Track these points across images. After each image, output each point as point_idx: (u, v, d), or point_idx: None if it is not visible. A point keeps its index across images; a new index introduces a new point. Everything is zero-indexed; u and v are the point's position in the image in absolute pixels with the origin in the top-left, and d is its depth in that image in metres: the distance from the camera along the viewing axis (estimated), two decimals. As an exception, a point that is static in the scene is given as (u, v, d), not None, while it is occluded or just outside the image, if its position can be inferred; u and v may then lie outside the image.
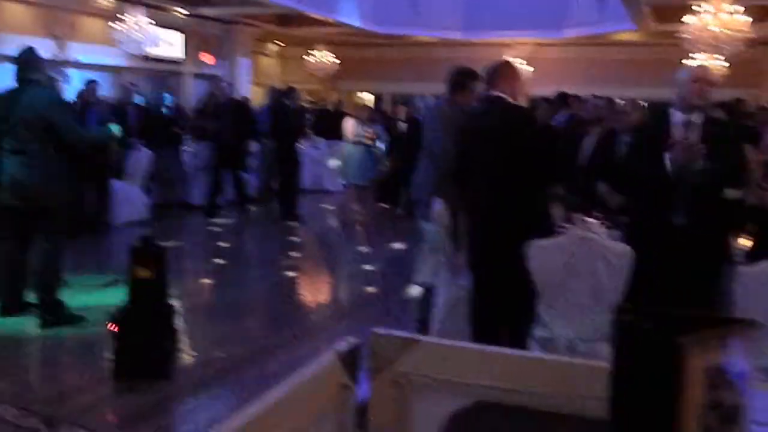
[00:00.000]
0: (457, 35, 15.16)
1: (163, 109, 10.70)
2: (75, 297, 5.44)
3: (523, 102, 3.93)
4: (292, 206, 9.89)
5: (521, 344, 3.42)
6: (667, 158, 3.55)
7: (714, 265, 3.60)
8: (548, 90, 9.41)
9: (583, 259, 3.46)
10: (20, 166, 4.88)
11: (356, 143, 10.11)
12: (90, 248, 7.78)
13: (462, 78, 4.91)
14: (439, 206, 4.35)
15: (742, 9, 9.92)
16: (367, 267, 7.50)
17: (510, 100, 3.75)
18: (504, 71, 3.83)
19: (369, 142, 10.15)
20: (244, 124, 9.86)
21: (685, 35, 10.25)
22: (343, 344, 1.37)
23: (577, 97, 7.80)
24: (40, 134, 4.86)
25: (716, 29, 9.85)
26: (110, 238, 8.46)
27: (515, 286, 3.62)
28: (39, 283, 5.09)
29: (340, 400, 1.29)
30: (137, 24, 11.08)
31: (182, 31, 14.16)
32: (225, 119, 9.37)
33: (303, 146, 11.10)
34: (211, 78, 15.35)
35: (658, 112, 4.41)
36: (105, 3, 11.82)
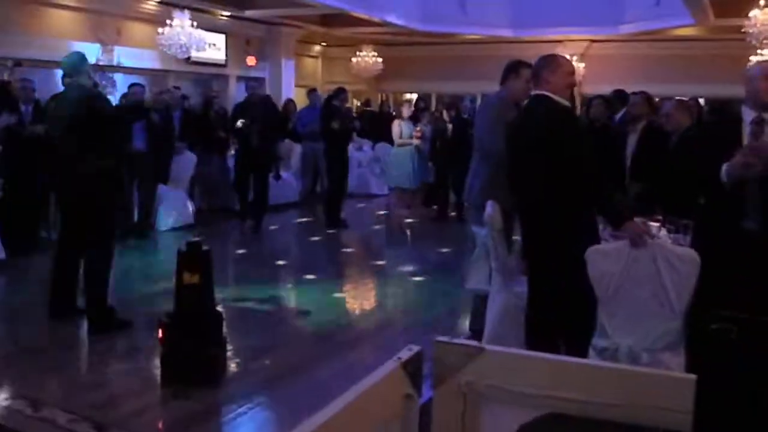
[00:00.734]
0: (506, 33, 15.03)
1: (211, 113, 10.85)
2: (123, 302, 5.55)
3: (565, 97, 3.74)
4: (337, 212, 9.88)
5: (580, 355, 3.36)
6: (728, 165, 3.43)
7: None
8: (603, 88, 9.28)
9: (645, 265, 3.40)
10: (69, 163, 5.02)
11: (404, 145, 10.11)
12: (137, 253, 7.94)
13: (514, 64, 4.90)
14: (492, 209, 4.32)
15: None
16: (414, 273, 7.49)
17: (555, 98, 3.68)
18: (548, 66, 3.75)
19: (417, 142, 10.14)
20: (272, 124, 9.45)
21: (749, 30, 9.99)
22: (406, 352, 1.36)
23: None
24: (86, 131, 4.99)
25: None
26: (156, 243, 8.62)
27: (573, 293, 3.58)
28: (88, 288, 5.21)
29: (404, 410, 1.28)
30: (182, 27, 11.28)
31: (225, 34, 14.37)
32: (254, 120, 9.02)
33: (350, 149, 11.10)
34: (254, 81, 15.55)
35: (726, 110, 4.30)
36: (150, 7, 12.07)
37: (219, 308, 4.41)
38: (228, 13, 13.47)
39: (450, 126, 10.31)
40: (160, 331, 4.18)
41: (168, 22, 11.31)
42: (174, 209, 9.18)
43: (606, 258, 3.44)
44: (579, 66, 14.43)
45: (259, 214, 9.33)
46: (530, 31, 14.71)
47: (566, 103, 3.75)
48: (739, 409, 2.61)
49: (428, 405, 1.43)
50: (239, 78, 14.82)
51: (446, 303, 6.20)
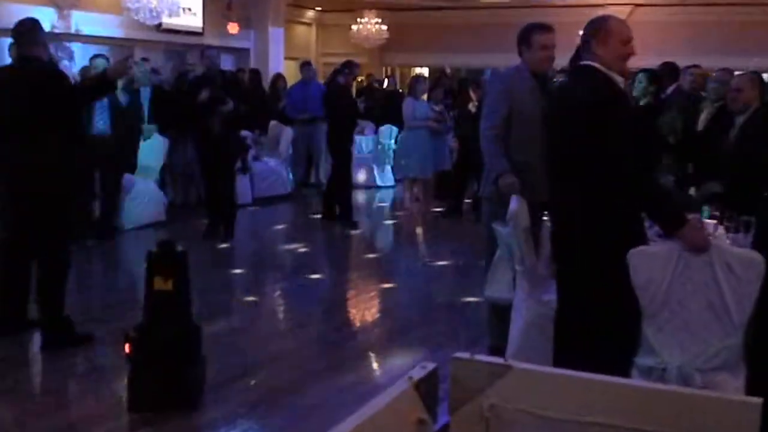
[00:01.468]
0: (534, -5, 15.04)
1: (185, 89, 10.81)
2: (83, 313, 5.57)
3: (620, 71, 3.66)
4: (348, 208, 9.70)
5: (622, 375, 3.37)
6: None
7: None
8: (648, 61, 9.25)
9: (699, 270, 3.40)
10: (21, 151, 5.03)
11: (416, 127, 10.06)
12: (98, 255, 7.97)
13: (523, 32, 4.91)
14: (516, 204, 4.33)
15: None
16: (426, 278, 7.50)
17: (603, 71, 3.62)
18: (596, 34, 3.66)
19: (436, 125, 10.08)
20: (237, 106, 8.49)
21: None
22: (419, 371, 1.37)
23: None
24: (41, 116, 5.00)
25: None
26: (121, 243, 8.65)
27: (613, 303, 3.58)
28: (42, 297, 5.23)
29: (417, 438, 1.29)
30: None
31: (202, -4, 14.38)
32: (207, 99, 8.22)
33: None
34: (237, 51, 15.57)
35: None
36: (113, -36, 12.11)
37: (196, 320, 4.42)
38: (205, -28, 13.51)
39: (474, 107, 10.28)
40: (126, 347, 4.19)
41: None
42: (142, 203, 9.20)
43: (653, 261, 3.44)
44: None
45: (227, 219, 8.68)
46: (562, -7, 14.69)
47: (618, 78, 3.66)
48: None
49: (444, 432, 1.43)
50: (219, 49, 14.83)
51: (464, 312, 6.22)
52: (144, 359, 4.17)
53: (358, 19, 17.24)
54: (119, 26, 12.43)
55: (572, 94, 3.80)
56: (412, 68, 19.42)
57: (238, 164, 9.67)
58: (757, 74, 6.14)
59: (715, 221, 4.19)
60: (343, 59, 10.52)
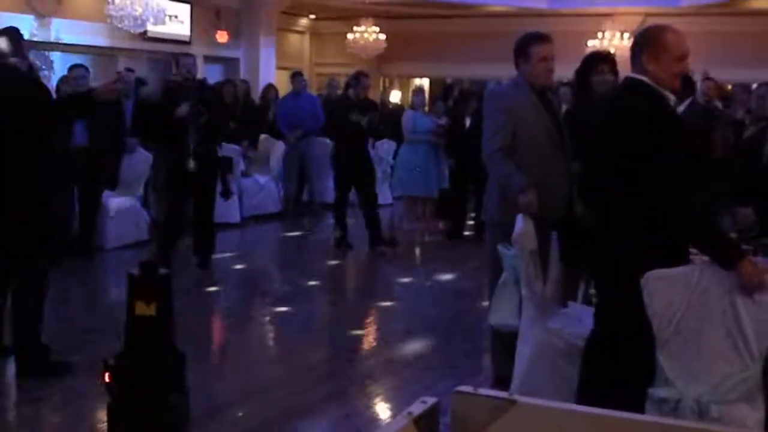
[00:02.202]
0: (541, 4, 15.11)
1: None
2: (61, 339, 5.55)
3: (672, 89, 3.56)
4: (377, 228, 9.43)
5: (635, 408, 3.36)
6: None
7: None
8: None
9: (716, 295, 3.40)
10: None
11: (416, 141, 10.05)
12: (77, 277, 7.95)
13: (519, 42, 4.92)
14: (523, 224, 4.33)
15: None
16: (426, 303, 7.49)
17: (654, 87, 3.53)
18: (649, 47, 3.55)
19: (436, 139, 10.09)
20: (216, 121, 8.38)
21: None
22: (419, 406, 1.36)
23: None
24: (18, 128, 5.00)
25: None
26: (101, 265, 8.63)
27: (626, 331, 3.57)
28: (17, 323, 5.20)
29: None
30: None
31: (190, 3, 14.44)
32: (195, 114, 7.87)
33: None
34: (226, 61, 15.61)
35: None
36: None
37: (180, 347, 4.41)
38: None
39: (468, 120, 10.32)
40: (106, 376, 4.17)
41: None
42: (124, 221, 9.19)
43: (671, 285, 3.42)
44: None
45: (204, 249, 8.29)
46: (570, 3, 14.76)
47: (671, 96, 3.58)
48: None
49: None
50: (207, 58, 14.89)
51: (467, 341, 6.20)
52: (124, 389, 4.15)
53: (355, 28, 17.29)
54: (102, 34, 12.47)
55: (618, 108, 3.68)
56: (412, 79, 19.49)
57: (219, 187, 8.67)
58: None
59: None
60: (337, 70, 10.56)
